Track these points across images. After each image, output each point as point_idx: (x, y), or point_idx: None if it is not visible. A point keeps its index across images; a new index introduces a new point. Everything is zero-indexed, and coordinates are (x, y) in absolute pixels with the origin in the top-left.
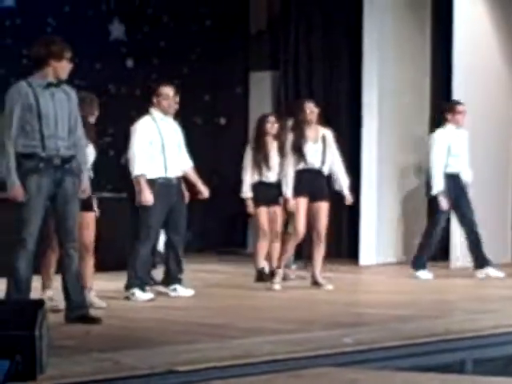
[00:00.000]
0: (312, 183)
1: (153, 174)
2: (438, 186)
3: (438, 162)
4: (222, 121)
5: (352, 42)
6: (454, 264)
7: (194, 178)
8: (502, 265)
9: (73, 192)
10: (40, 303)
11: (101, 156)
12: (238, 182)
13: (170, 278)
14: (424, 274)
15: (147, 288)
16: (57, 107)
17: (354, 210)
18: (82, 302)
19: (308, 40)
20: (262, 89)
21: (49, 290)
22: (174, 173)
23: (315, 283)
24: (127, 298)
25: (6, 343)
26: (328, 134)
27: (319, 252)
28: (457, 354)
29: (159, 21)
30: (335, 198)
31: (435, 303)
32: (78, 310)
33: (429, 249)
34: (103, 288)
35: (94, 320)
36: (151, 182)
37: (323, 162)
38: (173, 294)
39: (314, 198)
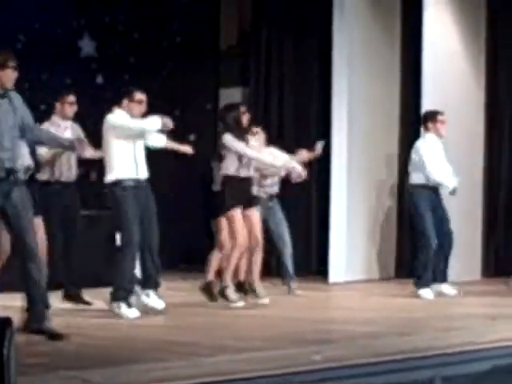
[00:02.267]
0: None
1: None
2: (450, 182)
3: (433, 166)
4: (192, 137)
5: (322, 59)
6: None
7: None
8: (471, 282)
9: (22, 204)
10: (7, 320)
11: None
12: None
13: (147, 282)
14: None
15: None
16: (1, 119)
17: (324, 228)
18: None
19: (279, 56)
20: None
21: None
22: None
23: (252, 291)
24: (112, 310)
25: None
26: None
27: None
28: (425, 371)
29: (130, 37)
30: (304, 213)
31: (404, 320)
32: (39, 323)
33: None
34: (67, 306)
35: (57, 335)
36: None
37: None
38: (144, 299)
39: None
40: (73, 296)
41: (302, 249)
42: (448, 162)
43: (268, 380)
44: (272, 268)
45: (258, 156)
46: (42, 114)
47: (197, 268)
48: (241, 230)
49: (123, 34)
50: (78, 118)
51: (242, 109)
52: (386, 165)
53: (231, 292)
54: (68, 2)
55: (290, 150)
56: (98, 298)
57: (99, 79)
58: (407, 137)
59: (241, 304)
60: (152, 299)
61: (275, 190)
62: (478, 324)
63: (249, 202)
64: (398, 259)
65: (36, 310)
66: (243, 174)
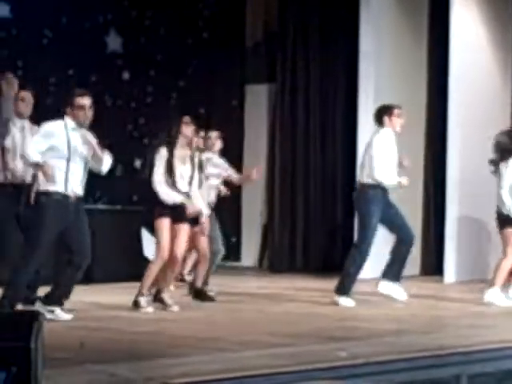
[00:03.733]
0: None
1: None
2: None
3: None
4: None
5: (349, 54)
6: (448, 279)
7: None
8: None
9: None
10: (36, 315)
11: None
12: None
13: (52, 298)
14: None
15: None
16: None
17: (349, 225)
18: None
19: (305, 52)
20: (257, 101)
21: None
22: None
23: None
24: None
25: (1, 355)
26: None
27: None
28: (451, 369)
29: (156, 33)
30: (330, 208)
31: (429, 318)
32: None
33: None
34: (94, 300)
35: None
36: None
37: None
38: (48, 315)
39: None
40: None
41: (326, 245)
42: (474, 158)
43: (293, 376)
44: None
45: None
46: None
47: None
48: (165, 242)
49: (149, 30)
50: (103, 113)
51: (185, 119)
52: (412, 161)
53: (143, 300)
54: None
55: (316, 147)
56: (121, 293)
57: (125, 75)
58: (433, 135)
59: (150, 310)
60: (58, 314)
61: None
62: (504, 322)
63: (180, 215)
64: (424, 257)
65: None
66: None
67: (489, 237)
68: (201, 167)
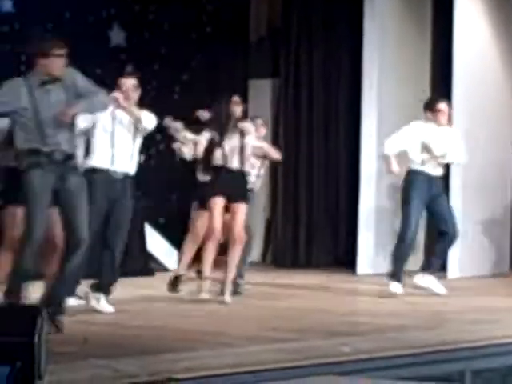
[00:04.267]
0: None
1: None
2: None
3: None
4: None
5: (353, 49)
6: (452, 274)
7: None
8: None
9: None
10: (39, 309)
11: None
12: None
13: (99, 285)
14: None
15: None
16: (46, 107)
17: (353, 219)
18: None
19: (308, 47)
20: (261, 96)
21: None
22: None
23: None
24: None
25: (5, 350)
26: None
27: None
28: (455, 364)
29: (160, 27)
30: (333, 205)
31: (432, 313)
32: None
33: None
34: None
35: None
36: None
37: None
38: (93, 303)
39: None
40: None
41: (329, 240)
42: (475, 151)
43: (296, 371)
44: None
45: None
46: None
47: None
48: (218, 221)
49: (153, 24)
50: None
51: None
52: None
53: (205, 284)
54: None
55: (320, 142)
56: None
57: (129, 69)
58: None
59: (206, 296)
60: (101, 304)
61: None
62: (507, 317)
63: (234, 194)
64: (427, 250)
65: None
66: (233, 165)
67: (491, 232)
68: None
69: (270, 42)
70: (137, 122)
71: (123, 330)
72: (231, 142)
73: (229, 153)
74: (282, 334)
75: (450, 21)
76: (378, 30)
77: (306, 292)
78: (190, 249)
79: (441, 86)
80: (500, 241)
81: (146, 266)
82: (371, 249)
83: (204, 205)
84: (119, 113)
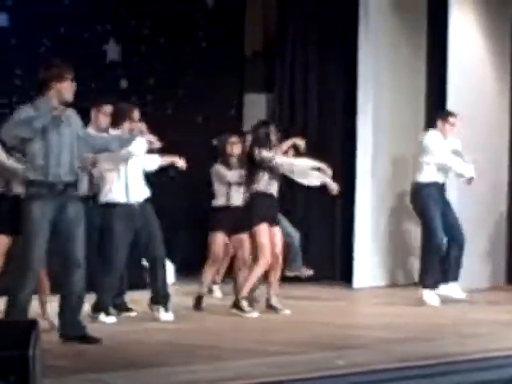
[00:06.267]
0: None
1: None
2: (465, 170)
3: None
4: (215, 142)
5: (347, 65)
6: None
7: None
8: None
9: (76, 221)
10: (33, 323)
11: None
12: None
13: (157, 298)
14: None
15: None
16: (61, 133)
17: (348, 233)
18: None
19: (304, 62)
20: (256, 111)
21: None
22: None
23: (270, 307)
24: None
25: None
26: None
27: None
28: (452, 377)
29: (155, 42)
30: (329, 219)
31: (428, 326)
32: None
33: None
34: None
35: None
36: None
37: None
38: (156, 314)
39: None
40: None
41: (326, 254)
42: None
43: None
44: None
45: (290, 161)
46: None
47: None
48: (267, 246)
49: (148, 38)
50: None
51: (272, 127)
52: (413, 170)
53: (245, 304)
54: (93, 5)
55: (314, 156)
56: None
57: (123, 83)
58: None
59: (255, 315)
60: (161, 314)
61: None
62: (503, 330)
63: (273, 219)
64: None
65: (68, 318)
66: (271, 190)
67: (487, 245)
68: None
69: (265, 56)
70: None
71: (117, 344)
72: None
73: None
74: (276, 348)
75: (445, 37)
76: (372, 46)
77: (300, 305)
78: (211, 270)
79: (436, 101)
80: (496, 254)
81: (142, 280)
82: (368, 262)
83: (218, 228)
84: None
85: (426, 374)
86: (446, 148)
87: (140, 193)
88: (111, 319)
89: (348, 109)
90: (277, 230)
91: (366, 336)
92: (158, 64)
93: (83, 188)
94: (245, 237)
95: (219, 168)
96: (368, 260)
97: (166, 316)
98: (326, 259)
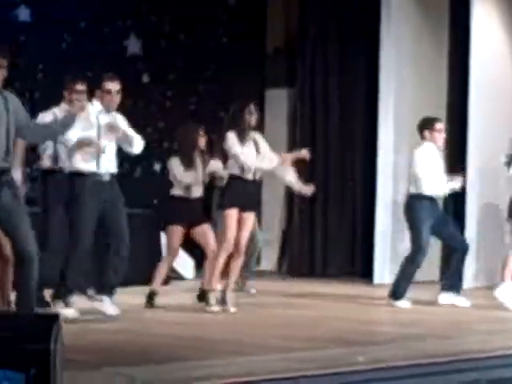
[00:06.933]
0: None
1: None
2: (451, 185)
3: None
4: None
5: (369, 60)
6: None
7: None
8: None
9: (14, 204)
10: (55, 316)
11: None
12: None
13: (104, 286)
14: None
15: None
16: None
17: (369, 228)
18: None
19: (325, 57)
20: (277, 106)
21: None
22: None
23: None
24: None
25: (21, 357)
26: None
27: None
28: (470, 373)
29: (176, 37)
30: (350, 214)
31: (448, 323)
32: None
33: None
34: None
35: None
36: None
37: None
38: (96, 304)
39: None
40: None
41: (346, 249)
42: (494, 166)
43: (310, 380)
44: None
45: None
46: None
47: None
48: (231, 230)
49: (169, 34)
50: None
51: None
52: None
53: (212, 297)
54: (115, 1)
55: (335, 151)
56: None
57: (145, 78)
58: (454, 140)
59: (217, 309)
60: (104, 305)
61: None
62: None
63: (247, 205)
64: (444, 261)
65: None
66: (249, 176)
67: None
68: None
69: (286, 53)
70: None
71: (137, 338)
72: None
73: None
74: (295, 343)
75: (467, 33)
76: (394, 42)
77: (321, 301)
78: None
79: (458, 99)
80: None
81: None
82: (388, 258)
83: (176, 221)
84: (102, 118)
85: (445, 370)
86: (435, 161)
87: (111, 165)
88: (70, 312)
89: (369, 104)
90: (248, 216)
91: (386, 332)
92: (179, 60)
93: (45, 161)
94: (206, 227)
95: (175, 165)
96: (388, 256)
97: (110, 309)
98: (346, 256)
